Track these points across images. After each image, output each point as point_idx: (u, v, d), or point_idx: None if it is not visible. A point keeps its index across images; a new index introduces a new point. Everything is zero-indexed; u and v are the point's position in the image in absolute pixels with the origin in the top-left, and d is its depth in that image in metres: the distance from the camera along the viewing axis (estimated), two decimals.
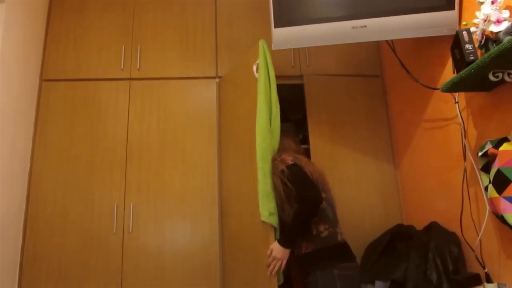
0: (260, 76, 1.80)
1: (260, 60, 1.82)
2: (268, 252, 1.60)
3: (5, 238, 1.91)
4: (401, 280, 1.62)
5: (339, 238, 1.67)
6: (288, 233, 1.62)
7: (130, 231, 2.07)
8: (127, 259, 2.04)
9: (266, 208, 1.65)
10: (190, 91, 2.32)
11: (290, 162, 1.67)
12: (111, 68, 2.31)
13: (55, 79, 2.28)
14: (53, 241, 2.04)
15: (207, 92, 2.33)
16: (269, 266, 1.59)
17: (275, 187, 1.67)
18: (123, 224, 2.08)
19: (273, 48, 1.79)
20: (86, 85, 2.28)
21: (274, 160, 1.72)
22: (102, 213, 2.09)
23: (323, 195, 1.68)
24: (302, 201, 1.59)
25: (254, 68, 1.87)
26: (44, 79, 2.28)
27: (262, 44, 1.86)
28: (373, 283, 1.74)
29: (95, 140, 2.20)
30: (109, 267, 2.02)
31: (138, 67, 2.31)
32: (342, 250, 1.66)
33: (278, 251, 1.58)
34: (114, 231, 2.06)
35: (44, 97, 2.25)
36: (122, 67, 2.31)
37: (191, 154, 2.21)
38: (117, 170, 2.16)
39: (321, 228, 1.65)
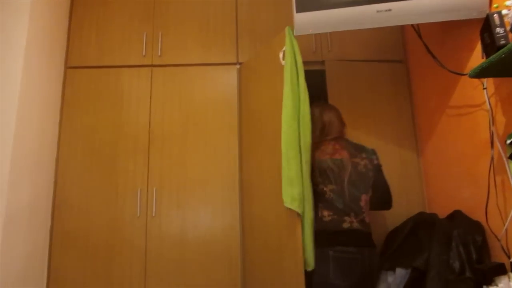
0: (286, 64, 1.78)
1: (287, 47, 1.79)
2: None
3: (36, 221, 2.00)
4: (423, 268, 1.61)
5: (345, 226, 1.69)
6: None
7: (153, 215, 2.12)
8: (150, 242, 2.10)
9: (289, 194, 1.66)
10: (211, 78, 2.33)
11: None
12: (133, 55, 2.34)
13: (79, 66, 2.33)
14: (80, 224, 2.11)
15: (228, 78, 2.33)
16: None
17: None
18: (146, 209, 2.13)
19: (294, 34, 1.77)
20: (109, 72, 2.32)
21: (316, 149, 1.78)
22: (126, 197, 2.15)
23: (331, 187, 1.71)
24: None
25: (281, 55, 1.85)
26: (69, 66, 2.33)
27: (288, 31, 1.83)
28: (394, 270, 1.74)
29: (119, 126, 2.25)
30: (133, 250, 2.09)
31: (159, 54, 2.33)
32: (345, 236, 1.68)
33: None
34: (138, 215, 2.12)
35: (69, 85, 2.30)
36: (144, 54, 2.33)
37: (212, 140, 2.24)
38: (140, 156, 2.21)
39: (325, 213, 1.71)
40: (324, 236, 1.66)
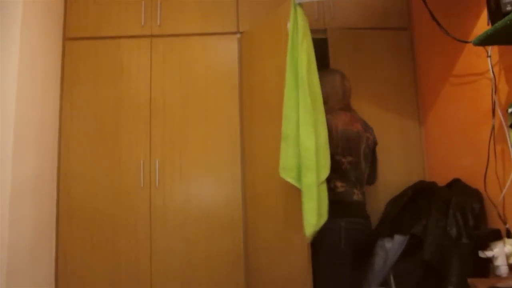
0: (290, 34, 1.74)
1: (291, 17, 1.75)
2: None
3: (42, 193, 2.03)
4: (420, 235, 1.65)
5: (355, 197, 1.72)
6: None
7: (157, 185, 2.16)
8: (154, 213, 2.14)
9: (282, 162, 1.66)
10: (211, 47, 2.30)
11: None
12: (132, 25, 2.29)
13: (78, 38, 2.29)
14: (85, 197, 2.15)
15: (229, 48, 2.29)
16: None
17: None
18: (150, 180, 2.16)
19: (296, 1, 1.73)
20: (108, 43, 2.28)
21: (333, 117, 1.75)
22: (129, 169, 2.17)
23: (349, 158, 1.72)
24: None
25: (288, 25, 1.80)
26: (67, 37, 2.29)
27: (293, 2, 1.79)
28: (392, 237, 1.79)
29: (119, 98, 2.24)
30: (138, 220, 2.13)
31: (158, 24, 2.29)
32: (355, 208, 1.72)
33: None
34: (142, 186, 2.15)
35: (68, 56, 2.27)
36: (142, 24, 2.29)
37: (213, 111, 2.24)
38: (141, 127, 2.21)
39: (338, 184, 1.72)
40: (336, 206, 1.63)
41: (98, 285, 2.08)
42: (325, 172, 1.59)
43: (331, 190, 1.68)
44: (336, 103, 1.82)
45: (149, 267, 2.09)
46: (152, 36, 2.29)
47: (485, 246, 1.43)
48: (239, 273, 2.10)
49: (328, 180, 1.64)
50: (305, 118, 1.59)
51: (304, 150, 1.57)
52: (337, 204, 1.65)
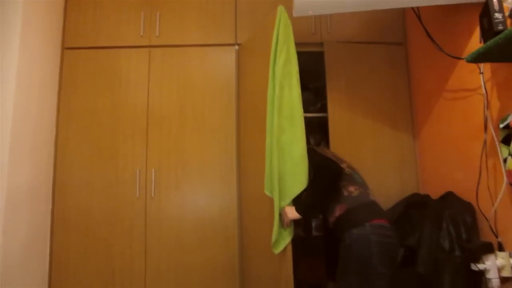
0: (273, 42, 1.78)
1: (276, 25, 1.79)
2: (283, 214, 1.68)
3: (37, 202, 2.03)
4: (414, 247, 1.67)
5: (371, 198, 1.68)
6: (306, 201, 1.66)
7: (153, 195, 2.16)
8: (150, 222, 2.14)
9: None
10: (209, 59, 2.32)
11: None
12: (131, 36, 2.32)
13: (76, 47, 2.31)
14: (80, 205, 2.15)
15: (226, 59, 2.32)
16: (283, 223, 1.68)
17: None
18: (146, 189, 2.17)
19: (294, 15, 1.75)
20: (107, 52, 2.30)
21: None
22: (125, 178, 2.18)
23: (345, 164, 1.74)
24: (320, 173, 1.63)
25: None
26: (66, 47, 2.30)
27: (280, 9, 1.83)
28: None
29: (117, 107, 2.25)
30: (133, 229, 2.13)
31: (157, 34, 2.31)
32: (377, 207, 1.66)
33: (291, 214, 1.65)
34: (137, 196, 2.15)
35: (67, 66, 2.29)
36: (141, 34, 2.31)
37: (210, 121, 2.25)
38: (138, 136, 2.22)
39: (351, 188, 1.67)
40: (361, 210, 1.60)
41: None
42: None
43: (349, 197, 1.64)
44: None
45: (144, 276, 2.09)
46: (150, 46, 2.31)
47: (477, 259, 1.45)
48: (233, 281, 2.10)
49: (340, 188, 1.65)
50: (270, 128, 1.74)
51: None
52: (359, 209, 1.61)
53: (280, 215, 1.69)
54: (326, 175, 1.63)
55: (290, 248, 1.68)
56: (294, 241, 1.71)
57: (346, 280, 1.54)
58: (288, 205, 1.68)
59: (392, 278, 1.52)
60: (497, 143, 1.44)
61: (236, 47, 2.33)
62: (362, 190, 1.69)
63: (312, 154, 1.71)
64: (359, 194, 1.66)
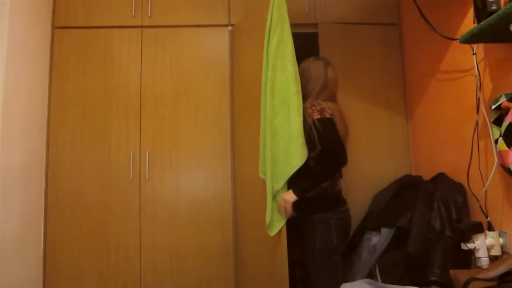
0: (267, 23, 1.76)
1: (270, 5, 1.77)
2: (281, 202, 1.66)
3: (30, 184, 2.02)
4: (406, 227, 1.69)
5: (338, 187, 1.71)
6: (305, 184, 1.62)
7: (147, 178, 2.16)
8: (144, 205, 2.15)
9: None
10: (202, 40, 2.29)
11: (327, 116, 1.60)
12: (122, 16, 2.27)
13: (67, 26, 2.26)
14: (74, 187, 2.14)
15: (220, 40, 2.29)
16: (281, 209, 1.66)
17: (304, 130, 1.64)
18: (140, 171, 2.16)
19: None
20: (98, 32, 2.26)
21: (311, 105, 1.65)
22: (119, 160, 2.17)
23: (345, 139, 1.73)
24: (329, 159, 1.57)
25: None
26: (56, 26, 2.26)
27: None
28: (378, 230, 1.83)
29: (109, 88, 2.22)
30: (127, 212, 2.14)
31: (149, 15, 2.27)
32: (340, 197, 1.72)
33: (291, 197, 1.62)
34: (131, 178, 2.15)
35: (57, 45, 2.24)
36: (133, 14, 2.27)
37: (204, 103, 2.24)
38: (132, 118, 2.20)
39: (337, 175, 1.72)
40: (325, 201, 1.66)
41: (87, 276, 2.08)
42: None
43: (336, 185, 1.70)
44: (319, 90, 1.73)
45: (138, 259, 2.11)
46: (142, 27, 2.27)
47: (468, 239, 1.48)
48: (228, 265, 2.13)
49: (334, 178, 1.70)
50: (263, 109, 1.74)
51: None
52: (324, 199, 1.66)
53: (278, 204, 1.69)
54: (334, 162, 1.58)
55: (284, 231, 1.69)
56: (287, 223, 1.72)
57: (313, 260, 1.66)
58: (283, 190, 1.68)
59: (381, 259, 1.55)
60: (489, 124, 1.44)
61: (230, 27, 2.30)
62: (332, 181, 1.68)
63: (330, 126, 1.59)
64: (329, 185, 1.67)
